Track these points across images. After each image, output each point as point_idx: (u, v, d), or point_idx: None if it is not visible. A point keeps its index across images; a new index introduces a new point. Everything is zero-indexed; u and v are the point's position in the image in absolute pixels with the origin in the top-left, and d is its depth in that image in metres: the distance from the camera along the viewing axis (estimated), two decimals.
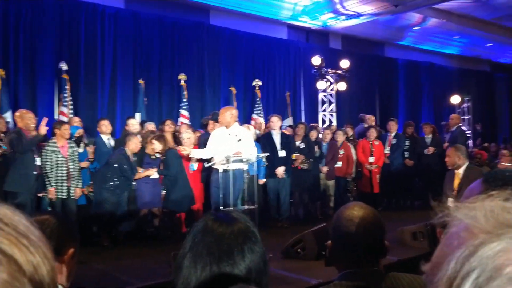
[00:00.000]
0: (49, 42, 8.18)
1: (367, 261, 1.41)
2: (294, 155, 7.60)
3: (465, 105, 13.75)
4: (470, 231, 0.48)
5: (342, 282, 1.39)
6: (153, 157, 6.49)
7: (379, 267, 1.44)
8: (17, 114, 5.72)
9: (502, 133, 16.50)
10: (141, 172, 6.33)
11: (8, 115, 6.93)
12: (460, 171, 4.54)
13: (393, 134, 9.29)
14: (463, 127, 10.64)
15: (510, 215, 0.48)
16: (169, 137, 6.80)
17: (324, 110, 11.34)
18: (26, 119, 5.63)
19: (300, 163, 7.64)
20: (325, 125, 10.56)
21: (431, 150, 9.15)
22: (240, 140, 5.89)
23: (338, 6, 10.68)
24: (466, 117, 13.62)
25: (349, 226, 1.41)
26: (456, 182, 4.42)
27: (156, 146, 6.36)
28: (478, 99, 15.46)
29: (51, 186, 5.78)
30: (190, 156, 6.24)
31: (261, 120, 9.50)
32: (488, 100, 16.87)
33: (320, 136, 8.77)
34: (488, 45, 15.01)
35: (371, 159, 8.82)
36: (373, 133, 8.91)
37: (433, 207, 0.57)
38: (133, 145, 6.23)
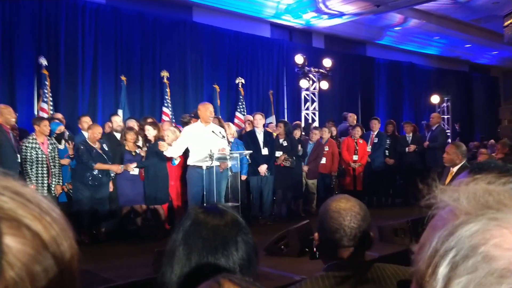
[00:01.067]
0: (28, 37, 8.01)
1: (353, 253, 1.43)
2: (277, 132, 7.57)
3: (444, 104, 14.00)
4: (453, 213, 0.50)
5: (328, 272, 1.41)
6: (133, 154, 6.44)
7: (364, 258, 1.47)
8: None
9: (479, 132, 16.88)
10: (121, 167, 6.27)
11: None
12: (454, 170, 4.56)
13: (375, 133, 9.40)
14: (443, 126, 10.85)
15: (491, 197, 0.50)
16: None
17: (307, 109, 11.41)
18: (5, 114, 5.50)
19: (283, 161, 7.67)
20: (314, 124, 10.58)
21: (412, 148, 9.30)
22: (224, 137, 5.87)
23: (321, 5, 10.74)
24: (445, 116, 13.87)
25: (337, 218, 1.43)
26: (448, 179, 4.45)
27: (150, 132, 6.33)
28: (457, 99, 15.76)
29: (31, 183, 5.67)
30: (166, 154, 6.10)
31: (250, 118, 9.48)
32: (466, 100, 17.23)
33: (303, 133, 8.82)
34: (467, 46, 15.32)
35: (355, 157, 8.91)
36: (358, 132, 9.01)
37: (421, 190, 0.59)
38: (92, 134, 6.15)
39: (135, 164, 6.31)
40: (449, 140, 12.47)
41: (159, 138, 6.38)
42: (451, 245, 0.47)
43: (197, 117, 6.99)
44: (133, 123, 7.33)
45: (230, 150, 6.10)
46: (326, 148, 8.52)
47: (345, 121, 10.55)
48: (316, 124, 10.82)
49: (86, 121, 6.69)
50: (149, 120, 6.88)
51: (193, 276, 1.00)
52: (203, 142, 5.65)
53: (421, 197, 0.56)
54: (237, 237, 1.05)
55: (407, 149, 9.33)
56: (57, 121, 6.66)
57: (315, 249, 1.55)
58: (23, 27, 7.96)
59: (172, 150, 5.96)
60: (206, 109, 5.85)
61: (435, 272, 0.48)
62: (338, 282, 1.35)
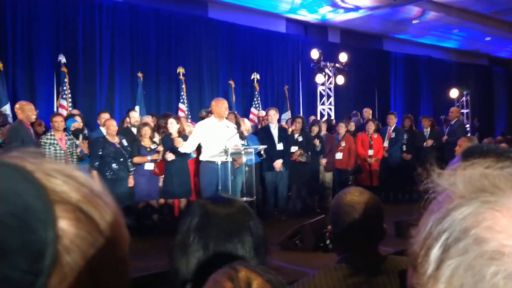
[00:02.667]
0: (47, 35, 8.15)
1: (367, 245, 1.42)
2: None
3: (463, 98, 13.76)
4: (449, 196, 0.50)
5: (342, 264, 1.40)
6: (149, 149, 6.49)
7: (378, 250, 1.46)
8: (17, 106, 5.71)
9: (499, 127, 16.56)
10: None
11: (7, 108, 6.92)
12: None
13: (392, 128, 9.30)
14: (462, 121, 10.69)
15: (486, 180, 0.50)
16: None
17: (323, 104, 11.35)
18: (27, 110, 5.60)
19: (298, 156, 7.64)
20: (324, 119, 10.57)
21: (429, 143, 9.18)
22: (237, 132, 5.88)
23: (337, 0, 10.65)
24: (464, 111, 13.64)
25: (351, 212, 1.42)
26: None
27: (174, 126, 6.37)
28: (477, 93, 15.48)
29: None
30: (180, 150, 6.10)
31: (263, 113, 9.53)
32: (486, 94, 16.89)
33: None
34: (487, 39, 15.00)
35: (370, 152, 8.83)
36: (371, 126, 8.93)
37: (419, 175, 0.59)
38: (108, 129, 6.20)
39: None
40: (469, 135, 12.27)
41: (181, 133, 6.41)
42: (444, 227, 0.48)
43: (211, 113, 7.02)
44: (148, 119, 7.41)
45: (246, 145, 6.12)
46: (343, 144, 8.47)
47: (355, 117, 10.45)
48: (326, 118, 10.78)
49: (105, 117, 6.76)
50: (171, 115, 6.92)
51: (211, 264, 1.02)
52: (216, 137, 5.65)
53: (419, 181, 0.56)
54: (249, 223, 1.08)
55: (424, 144, 9.21)
56: (76, 117, 6.77)
57: (328, 242, 1.55)
58: (42, 26, 8.11)
59: (185, 146, 5.98)
60: (221, 105, 5.84)
61: (427, 254, 0.48)
62: (352, 273, 1.34)
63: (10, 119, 6.80)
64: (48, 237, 0.36)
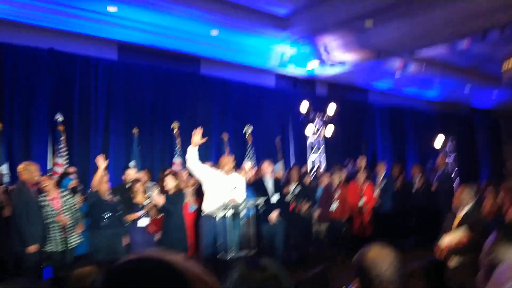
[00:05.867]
0: (44, 95, 8.28)
1: None
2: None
3: (447, 147, 14.17)
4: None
5: None
6: (141, 206, 6.50)
7: None
8: (21, 166, 5.70)
9: (485, 173, 16.92)
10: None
11: (4, 168, 6.94)
12: (461, 213, 4.54)
13: (381, 177, 9.51)
14: (448, 169, 10.98)
15: None
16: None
17: (314, 153, 11.59)
18: (32, 171, 5.63)
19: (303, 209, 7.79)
20: (320, 169, 10.76)
21: (419, 184, 9.43)
22: (235, 187, 6.00)
23: (324, 56, 11.16)
24: (450, 159, 13.99)
25: (374, 268, 1.57)
26: (456, 222, 4.50)
27: (170, 183, 6.40)
28: (460, 141, 15.93)
29: (49, 238, 5.73)
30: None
31: (248, 165, 9.75)
32: (469, 142, 17.38)
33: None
34: (466, 90, 15.66)
35: (361, 203, 8.97)
36: (361, 176, 9.13)
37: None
38: (100, 188, 6.24)
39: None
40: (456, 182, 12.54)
41: (180, 189, 6.48)
42: None
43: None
44: (140, 175, 7.49)
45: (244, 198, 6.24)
46: (337, 195, 8.60)
47: (348, 167, 10.70)
48: (322, 168, 10.98)
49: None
50: (167, 171, 7.02)
51: None
52: (220, 189, 5.81)
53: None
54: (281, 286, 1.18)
55: (414, 189, 9.43)
56: (71, 176, 6.81)
57: None
58: (39, 86, 8.25)
59: (191, 156, 5.92)
60: (224, 162, 6.16)
61: None
62: None
63: (7, 179, 6.81)
64: None
